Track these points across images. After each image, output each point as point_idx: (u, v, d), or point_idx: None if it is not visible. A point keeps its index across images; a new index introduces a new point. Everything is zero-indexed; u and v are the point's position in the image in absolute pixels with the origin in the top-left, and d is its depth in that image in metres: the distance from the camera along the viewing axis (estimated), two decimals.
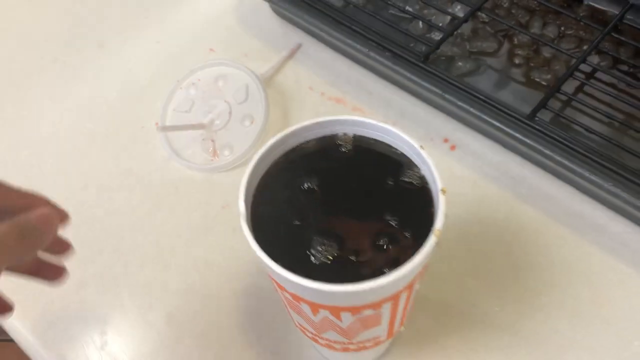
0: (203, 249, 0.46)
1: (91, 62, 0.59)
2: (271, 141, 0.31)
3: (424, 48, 0.50)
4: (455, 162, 0.49)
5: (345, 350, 0.35)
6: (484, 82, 0.49)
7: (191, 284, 0.44)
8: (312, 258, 0.28)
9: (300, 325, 0.34)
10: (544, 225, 0.45)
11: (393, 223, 0.29)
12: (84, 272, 0.45)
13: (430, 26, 0.51)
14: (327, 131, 0.32)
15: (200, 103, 0.52)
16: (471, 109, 0.44)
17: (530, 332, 0.41)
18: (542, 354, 0.40)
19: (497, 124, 0.43)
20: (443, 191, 0.28)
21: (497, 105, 0.43)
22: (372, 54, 0.47)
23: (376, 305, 0.28)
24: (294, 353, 0.41)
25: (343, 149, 0.32)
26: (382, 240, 0.29)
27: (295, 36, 0.58)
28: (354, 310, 0.28)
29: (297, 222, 0.30)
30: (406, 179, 0.30)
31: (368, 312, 0.29)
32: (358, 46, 0.49)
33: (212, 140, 0.51)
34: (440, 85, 0.45)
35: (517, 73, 0.50)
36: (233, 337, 0.42)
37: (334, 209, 0.30)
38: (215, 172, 0.50)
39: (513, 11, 0.52)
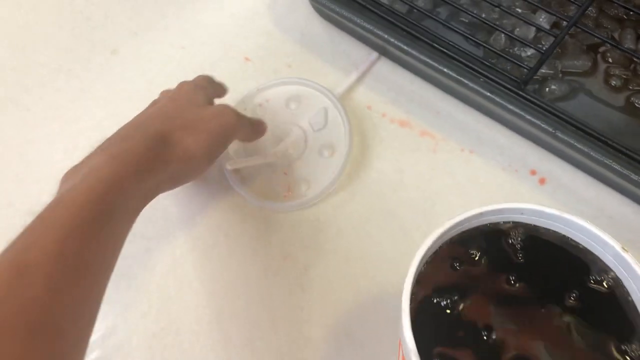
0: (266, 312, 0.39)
1: (104, 71, 0.50)
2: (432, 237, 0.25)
3: (509, 67, 0.44)
4: (546, 198, 0.43)
5: None
6: (581, 110, 0.43)
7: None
8: None
9: None
10: None
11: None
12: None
13: (514, 40, 0.44)
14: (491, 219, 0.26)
15: (271, 128, 0.45)
16: (585, 149, 0.38)
17: None
18: None
19: (617, 167, 0.37)
20: None
21: (614, 144, 0.37)
22: (464, 79, 0.40)
23: None
24: None
25: (515, 245, 0.26)
26: None
27: (344, 42, 0.50)
28: None
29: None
30: (597, 288, 0.24)
31: None
32: (440, 67, 0.42)
33: (285, 174, 0.43)
34: (544, 117, 0.39)
35: (616, 98, 0.44)
36: None
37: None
38: (287, 210, 0.43)
39: (602, 21, 0.46)
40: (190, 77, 0.49)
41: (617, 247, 0.24)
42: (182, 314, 0.40)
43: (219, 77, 0.48)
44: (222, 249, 0.42)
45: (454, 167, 0.44)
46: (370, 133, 0.46)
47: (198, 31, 0.52)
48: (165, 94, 0.41)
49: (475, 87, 0.40)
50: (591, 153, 0.37)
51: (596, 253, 0.25)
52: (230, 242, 0.42)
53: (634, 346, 0.23)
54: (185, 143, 0.35)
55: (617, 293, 0.24)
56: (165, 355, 0.38)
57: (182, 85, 0.41)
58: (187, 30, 0.52)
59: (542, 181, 0.43)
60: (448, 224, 0.25)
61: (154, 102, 0.41)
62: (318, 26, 0.52)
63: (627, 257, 0.24)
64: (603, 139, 0.38)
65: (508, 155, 0.44)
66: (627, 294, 0.24)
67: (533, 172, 0.44)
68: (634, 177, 0.37)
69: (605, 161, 0.37)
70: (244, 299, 0.40)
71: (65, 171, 0.33)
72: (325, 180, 0.43)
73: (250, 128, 0.42)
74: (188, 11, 0.53)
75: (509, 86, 0.40)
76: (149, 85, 0.49)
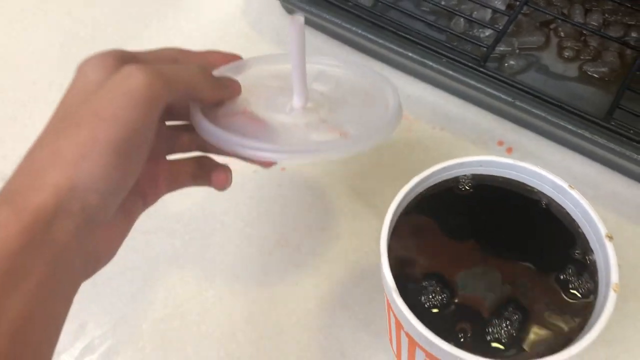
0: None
1: None
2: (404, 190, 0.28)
3: (470, 48, 0.47)
4: None
5: None
6: (538, 81, 0.47)
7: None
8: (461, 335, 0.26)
9: None
10: (624, 229, 0.44)
11: (552, 276, 0.26)
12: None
13: (473, 22, 0.48)
14: (449, 175, 0.29)
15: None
16: (543, 114, 0.41)
17: (621, 335, 0.39)
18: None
19: (572, 127, 0.41)
20: (609, 237, 0.26)
21: (569, 108, 0.41)
22: (428, 62, 0.44)
23: None
24: None
25: (463, 189, 0.29)
26: (548, 299, 0.26)
27: (316, 39, 0.54)
28: None
29: (438, 283, 0.27)
30: (552, 224, 0.28)
31: None
32: (406, 52, 0.45)
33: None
34: (505, 89, 0.43)
35: (570, 68, 0.47)
36: None
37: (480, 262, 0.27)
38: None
39: (553, 1, 0.50)
40: None
41: (565, 185, 0.27)
42: (186, 298, 0.43)
43: None
44: (218, 237, 0.45)
45: (427, 144, 0.48)
46: None
47: (179, 39, 0.55)
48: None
49: (440, 67, 0.44)
50: (548, 117, 0.41)
51: (548, 194, 0.28)
52: (226, 229, 0.45)
53: (578, 259, 0.26)
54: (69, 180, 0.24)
55: (565, 223, 0.28)
56: (174, 336, 0.41)
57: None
58: (170, 38, 0.55)
59: (509, 150, 0.47)
60: (415, 180, 0.28)
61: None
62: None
63: (574, 193, 0.27)
64: (558, 104, 0.42)
65: (476, 130, 0.48)
66: (578, 226, 0.27)
67: (500, 143, 0.47)
68: (588, 135, 0.40)
69: (562, 124, 0.41)
70: (242, 280, 0.43)
71: None
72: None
73: (203, 79, 0.29)
74: (169, 20, 0.57)
75: (470, 64, 0.44)
76: None
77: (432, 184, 0.29)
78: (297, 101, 0.30)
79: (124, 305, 0.43)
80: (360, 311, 0.41)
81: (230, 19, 0.56)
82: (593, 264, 0.26)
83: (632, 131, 0.40)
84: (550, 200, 0.28)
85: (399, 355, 0.32)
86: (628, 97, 0.42)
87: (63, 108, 0.27)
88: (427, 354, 0.26)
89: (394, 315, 0.27)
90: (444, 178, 0.29)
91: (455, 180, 0.29)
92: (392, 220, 0.27)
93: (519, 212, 0.28)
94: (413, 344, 0.27)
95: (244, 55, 0.53)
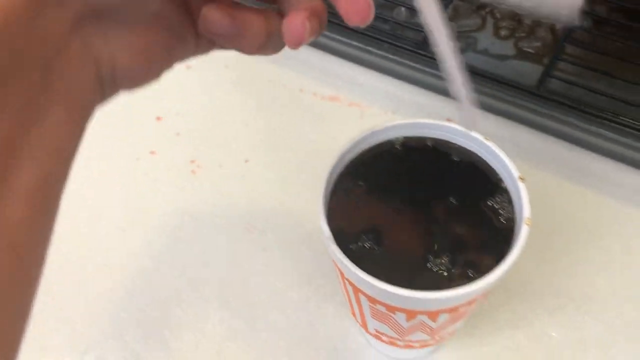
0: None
1: None
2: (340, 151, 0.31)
3: (412, 34, 0.51)
4: None
5: (424, 346, 0.35)
6: (478, 60, 0.50)
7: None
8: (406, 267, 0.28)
9: (378, 332, 0.34)
10: (559, 187, 0.47)
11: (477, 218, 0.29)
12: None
13: (413, 11, 0.52)
14: (383, 137, 0.32)
15: None
16: (483, 89, 0.44)
17: (570, 291, 0.42)
18: (588, 310, 0.42)
19: (509, 98, 0.44)
20: (521, 179, 0.29)
21: (506, 81, 0.44)
22: (375, 50, 0.47)
23: (471, 301, 0.29)
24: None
25: (395, 150, 0.32)
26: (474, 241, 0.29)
27: None
28: (453, 309, 0.28)
29: (372, 234, 0.30)
30: (477, 177, 0.31)
31: (463, 309, 0.29)
32: (348, 40, 0.48)
33: None
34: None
35: (507, 46, 0.51)
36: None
37: (410, 212, 0.30)
38: None
39: None
40: (140, 94, 0.55)
41: (482, 138, 0.30)
42: (164, 289, 0.45)
43: (165, 85, 0.55)
44: (187, 230, 0.47)
45: None
46: (304, 112, 0.52)
47: None
48: None
49: (385, 54, 0.47)
50: (487, 91, 0.44)
51: (471, 149, 0.31)
52: (196, 223, 0.48)
53: (497, 199, 0.29)
54: None
55: (486, 171, 0.31)
56: (152, 323, 0.44)
57: None
58: None
59: None
60: (349, 144, 0.31)
61: None
62: None
63: (490, 144, 0.30)
64: (496, 79, 0.45)
65: (425, 111, 0.51)
66: (496, 173, 0.31)
67: (449, 120, 0.50)
68: (531, 105, 0.44)
69: (500, 95, 0.44)
70: (214, 269, 0.46)
71: None
72: None
73: None
74: None
75: (412, 49, 0.47)
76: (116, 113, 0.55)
77: (367, 147, 0.32)
78: None
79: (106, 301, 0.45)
80: (324, 284, 0.44)
81: None
82: (510, 201, 0.29)
83: (563, 97, 0.43)
84: (472, 154, 0.31)
85: (352, 310, 0.34)
86: (559, 68, 0.45)
87: None
88: (369, 298, 0.29)
89: (337, 267, 0.29)
90: (379, 141, 0.32)
91: (389, 142, 0.32)
92: (328, 182, 0.30)
93: (446, 166, 0.31)
94: (356, 291, 0.29)
95: (203, 59, 0.57)
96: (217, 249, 0.46)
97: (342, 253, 0.27)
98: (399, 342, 0.34)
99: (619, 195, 0.46)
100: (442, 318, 0.29)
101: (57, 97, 0.18)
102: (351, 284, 0.29)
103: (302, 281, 0.44)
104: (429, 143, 0.32)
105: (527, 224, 0.28)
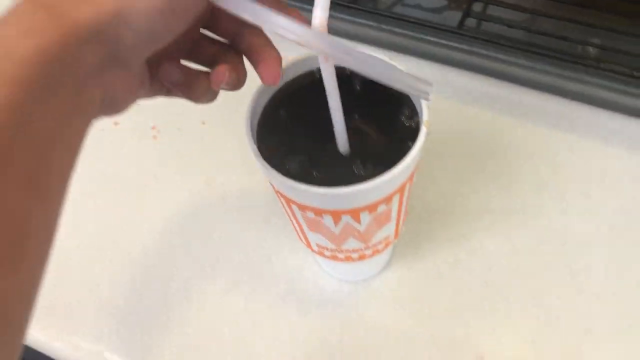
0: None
1: None
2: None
3: None
4: None
5: (362, 258, 0.39)
6: (411, 10, 0.54)
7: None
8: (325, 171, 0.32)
9: (319, 246, 0.38)
10: (491, 119, 0.51)
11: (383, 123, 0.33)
12: None
13: None
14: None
15: None
16: (408, 32, 0.48)
17: (503, 208, 0.46)
18: (520, 222, 0.46)
19: (433, 39, 0.48)
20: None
21: (430, 25, 0.48)
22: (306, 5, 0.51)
23: (387, 200, 0.33)
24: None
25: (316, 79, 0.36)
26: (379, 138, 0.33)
27: None
28: (371, 208, 0.32)
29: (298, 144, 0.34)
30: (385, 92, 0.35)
31: (382, 209, 0.33)
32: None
33: None
34: (382, 20, 0.50)
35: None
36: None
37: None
38: None
39: None
40: None
41: (400, 66, 0.34)
42: (133, 244, 0.49)
43: None
44: (151, 190, 0.51)
45: None
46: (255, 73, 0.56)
47: None
48: None
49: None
50: (414, 34, 0.48)
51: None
52: (159, 183, 0.52)
53: (406, 112, 0.33)
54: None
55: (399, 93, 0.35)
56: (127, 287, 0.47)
57: None
58: None
59: None
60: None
61: None
62: None
63: (395, 63, 0.34)
64: (421, 23, 0.49)
65: None
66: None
67: None
68: (454, 44, 0.48)
69: (425, 37, 0.48)
70: (178, 218, 0.49)
71: None
72: None
73: None
74: None
75: (345, 4, 0.51)
76: None
77: (290, 78, 0.36)
78: None
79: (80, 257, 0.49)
80: (278, 223, 0.48)
81: None
82: (416, 113, 0.33)
83: (481, 33, 0.47)
84: None
85: (297, 233, 0.38)
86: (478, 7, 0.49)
87: None
88: (299, 206, 0.33)
89: (273, 187, 0.33)
90: (300, 72, 0.36)
91: (310, 73, 0.36)
92: (254, 110, 0.34)
93: (364, 90, 0.35)
94: (288, 202, 0.33)
95: None
96: (179, 203, 0.50)
97: (266, 164, 0.31)
98: (339, 255, 0.38)
99: (544, 121, 0.50)
100: (365, 219, 0.33)
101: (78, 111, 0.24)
102: (282, 195, 0.33)
103: (259, 222, 0.48)
104: (347, 71, 0.36)
105: (425, 126, 0.31)
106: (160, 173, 0.52)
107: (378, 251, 0.39)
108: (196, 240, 0.48)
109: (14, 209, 0.20)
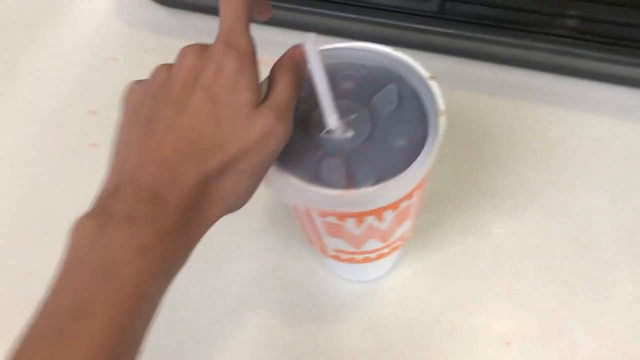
0: None
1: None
2: None
3: None
4: None
5: (380, 257, 0.38)
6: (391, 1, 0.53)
7: None
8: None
9: (337, 250, 0.37)
10: (479, 101, 0.51)
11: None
12: None
13: None
14: None
15: None
16: (389, 22, 0.48)
17: (505, 190, 0.46)
18: (524, 201, 0.46)
19: (415, 25, 0.47)
20: (432, 77, 0.32)
21: (409, 11, 0.47)
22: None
23: (409, 195, 0.32)
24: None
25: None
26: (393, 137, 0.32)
27: (190, 18, 0.59)
28: (395, 205, 0.31)
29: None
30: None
31: (404, 205, 0.32)
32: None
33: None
34: (359, 10, 0.49)
35: None
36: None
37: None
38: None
39: None
40: (72, 91, 0.56)
41: (389, 49, 0.33)
42: None
43: (96, 81, 0.56)
44: None
45: None
46: None
47: (66, 51, 0.59)
48: (183, 71, 0.27)
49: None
50: (391, 22, 0.47)
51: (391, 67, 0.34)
52: None
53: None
54: (225, 196, 0.27)
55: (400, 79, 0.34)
56: None
57: (214, 53, 0.26)
58: (55, 52, 0.59)
59: None
60: None
61: (167, 82, 0.28)
62: (163, 13, 0.60)
63: (399, 53, 0.33)
64: (401, 10, 0.48)
65: None
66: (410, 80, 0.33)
67: None
68: (437, 28, 0.47)
69: (405, 24, 0.47)
70: None
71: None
72: None
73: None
74: (49, 36, 0.60)
75: None
76: (50, 112, 0.55)
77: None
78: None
79: None
80: (282, 231, 0.46)
81: (106, 22, 0.60)
82: (421, 100, 0.32)
83: (462, 15, 0.47)
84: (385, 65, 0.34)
85: (309, 239, 0.37)
86: None
87: (210, 112, 0.26)
88: (320, 212, 0.32)
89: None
90: None
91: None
92: None
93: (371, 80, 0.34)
94: (307, 208, 0.32)
95: (126, 50, 0.58)
96: None
97: (291, 175, 0.30)
98: (357, 257, 0.37)
99: (532, 98, 0.50)
100: (388, 217, 0.32)
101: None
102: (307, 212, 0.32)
103: (262, 232, 0.47)
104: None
105: (443, 115, 0.31)
106: None
107: (396, 248, 0.38)
108: (196, 254, 0.46)
109: None
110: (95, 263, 0.24)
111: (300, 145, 0.31)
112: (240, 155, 0.26)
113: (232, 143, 0.26)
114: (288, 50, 0.30)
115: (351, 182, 0.30)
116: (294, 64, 0.29)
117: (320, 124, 0.31)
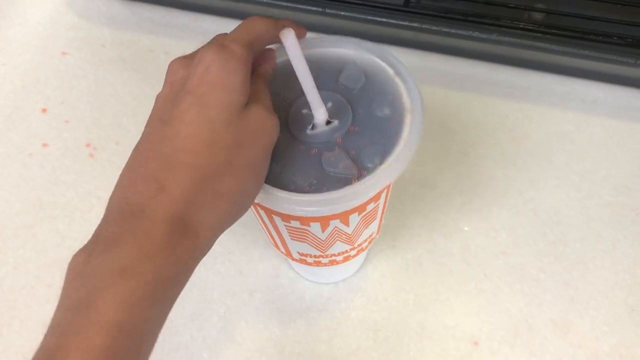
0: None
1: None
2: None
3: None
4: None
5: (346, 259, 0.37)
6: None
7: None
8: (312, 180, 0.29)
9: (301, 254, 0.35)
10: (445, 96, 0.50)
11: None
12: None
13: None
14: None
15: None
16: (354, 15, 0.46)
17: (472, 187, 0.45)
18: (491, 199, 0.45)
19: (380, 19, 0.46)
20: (397, 75, 0.31)
21: (373, 4, 0.46)
22: None
23: (377, 197, 0.30)
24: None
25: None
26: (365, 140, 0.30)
27: (144, 11, 0.57)
28: (361, 208, 0.30)
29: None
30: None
31: (371, 207, 0.31)
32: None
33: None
34: (323, 3, 0.47)
35: None
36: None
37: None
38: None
39: None
40: (20, 89, 0.53)
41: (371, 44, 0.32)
42: None
43: (44, 76, 0.53)
44: (97, 212, 0.47)
45: None
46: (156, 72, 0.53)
47: (12, 46, 0.56)
48: (167, 87, 0.27)
49: None
50: (358, 16, 0.46)
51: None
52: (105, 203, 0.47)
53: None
54: (221, 199, 0.25)
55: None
56: None
57: (204, 54, 0.25)
58: (1, 48, 0.56)
59: None
60: None
61: (165, 98, 0.27)
62: (117, 5, 0.57)
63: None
64: (367, 3, 0.47)
65: None
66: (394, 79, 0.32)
67: None
68: (403, 22, 0.46)
69: (371, 18, 0.46)
70: None
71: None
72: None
73: None
74: None
75: None
76: None
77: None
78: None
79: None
80: (245, 234, 0.45)
81: (56, 15, 0.57)
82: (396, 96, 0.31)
83: (428, 8, 0.46)
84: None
85: (274, 242, 0.36)
86: None
87: (201, 123, 0.25)
88: (283, 216, 0.30)
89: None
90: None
91: None
92: None
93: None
94: (269, 213, 0.30)
95: (77, 44, 0.55)
96: None
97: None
98: (323, 260, 0.36)
99: (498, 92, 0.50)
100: (354, 220, 0.31)
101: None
102: (263, 208, 0.30)
103: (224, 234, 0.45)
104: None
105: (410, 114, 0.30)
106: (103, 195, 0.48)
107: (362, 249, 0.37)
108: None
109: None
110: (74, 297, 0.22)
111: (292, 150, 0.30)
112: (234, 149, 0.25)
113: (224, 138, 0.25)
114: (263, 55, 0.30)
115: (359, 166, 0.29)
116: (266, 75, 0.30)
117: (301, 123, 0.30)
